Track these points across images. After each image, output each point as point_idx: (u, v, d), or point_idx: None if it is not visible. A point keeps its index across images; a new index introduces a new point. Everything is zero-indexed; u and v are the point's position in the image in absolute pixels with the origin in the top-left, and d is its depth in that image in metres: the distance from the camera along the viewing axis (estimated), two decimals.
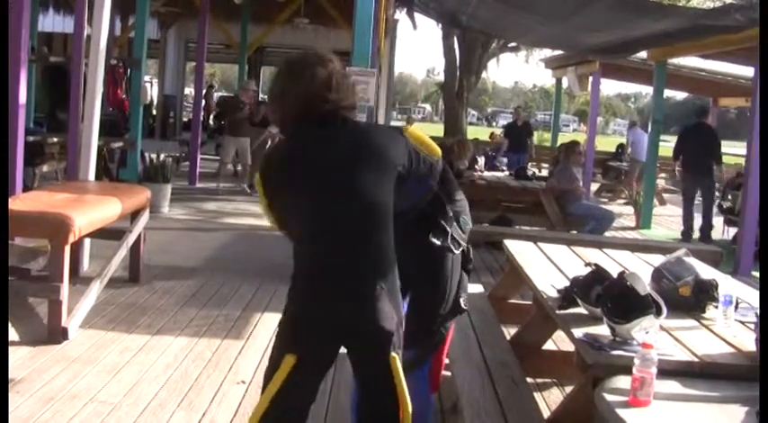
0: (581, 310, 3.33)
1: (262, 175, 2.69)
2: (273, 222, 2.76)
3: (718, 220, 12.62)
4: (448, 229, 3.25)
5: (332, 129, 2.64)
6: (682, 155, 11.90)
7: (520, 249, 4.96)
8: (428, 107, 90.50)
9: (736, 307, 3.43)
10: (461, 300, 3.34)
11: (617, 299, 3.02)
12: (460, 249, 3.32)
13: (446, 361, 4.32)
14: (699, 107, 12.62)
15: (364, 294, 2.57)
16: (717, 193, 12.51)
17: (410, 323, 2.85)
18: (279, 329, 2.69)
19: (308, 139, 2.64)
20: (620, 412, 2.45)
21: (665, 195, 16.11)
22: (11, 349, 4.72)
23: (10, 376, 4.24)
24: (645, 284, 3.10)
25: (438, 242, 3.22)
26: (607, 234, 9.65)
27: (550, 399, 4.53)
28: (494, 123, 70.97)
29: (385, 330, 2.60)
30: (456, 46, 24.83)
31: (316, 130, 2.64)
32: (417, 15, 16.38)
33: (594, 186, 16.56)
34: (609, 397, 2.57)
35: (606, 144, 23.86)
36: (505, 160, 14.61)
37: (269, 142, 13.13)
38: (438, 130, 29.55)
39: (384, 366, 2.66)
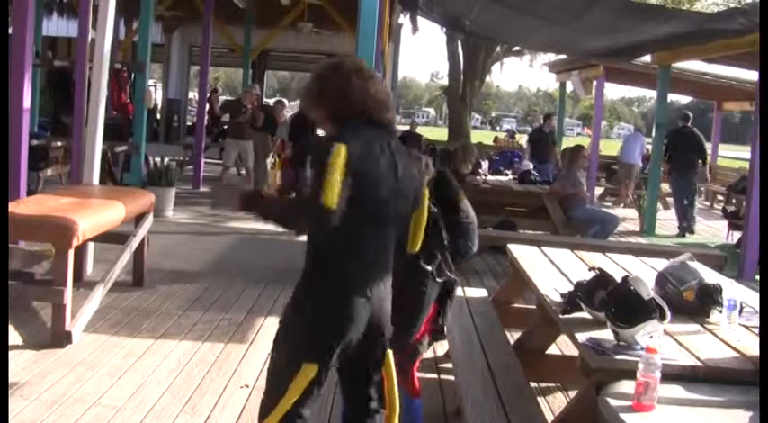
0: (585, 314, 3.33)
1: (347, 150, 2.53)
2: (338, 195, 2.48)
3: (722, 224, 12.64)
4: (437, 255, 3.31)
5: (388, 136, 2.76)
6: (670, 156, 12.77)
7: (523, 253, 4.96)
8: (432, 111, 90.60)
9: (741, 311, 3.43)
10: (443, 324, 3.46)
11: (621, 303, 3.01)
12: (443, 279, 3.36)
13: (450, 365, 4.35)
14: (683, 114, 13.35)
15: (386, 293, 2.73)
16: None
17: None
18: (301, 332, 2.65)
19: (371, 139, 2.69)
20: (624, 417, 2.45)
21: (669, 199, 16.06)
22: (15, 353, 4.73)
23: (14, 380, 4.25)
24: (649, 289, 3.11)
25: (428, 268, 3.29)
26: (611, 238, 9.64)
27: (554, 403, 4.52)
28: (498, 128, 70.94)
29: (389, 329, 2.77)
30: (460, 50, 24.88)
31: (375, 133, 2.71)
32: (421, 20, 16.39)
33: (599, 190, 16.52)
34: (612, 402, 2.56)
35: (610, 148, 23.84)
36: (530, 166, 13.26)
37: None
38: (442, 133, 29.57)
39: (380, 363, 2.77)
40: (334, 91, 2.73)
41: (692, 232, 12.48)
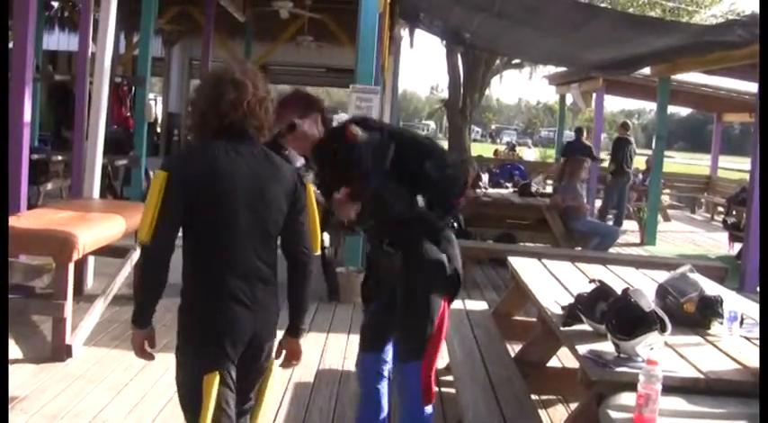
0: (585, 326, 3.32)
1: (167, 175, 2.69)
2: (151, 227, 2.81)
3: (722, 236, 12.64)
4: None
5: (236, 142, 2.73)
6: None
7: (524, 266, 4.96)
8: (432, 124, 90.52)
9: (741, 323, 3.42)
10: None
11: (621, 315, 3.01)
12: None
13: (451, 378, 4.33)
14: (577, 128, 15.54)
15: (265, 298, 2.93)
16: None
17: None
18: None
19: (215, 148, 2.72)
20: None
21: (670, 211, 16.07)
22: (15, 367, 4.72)
23: (14, 394, 4.24)
24: (649, 301, 3.10)
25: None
26: (611, 250, 9.63)
27: (555, 416, 4.50)
28: (498, 140, 70.93)
29: (270, 336, 2.97)
30: (460, 63, 24.88)
31: (220, 142, 2.72)
32: (422, 33, 16.44)
33: (599, 203, 16.51)
34: (613, 414, 2.56)
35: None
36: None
37: None
38: (442, 146, 29.61)
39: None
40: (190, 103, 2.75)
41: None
